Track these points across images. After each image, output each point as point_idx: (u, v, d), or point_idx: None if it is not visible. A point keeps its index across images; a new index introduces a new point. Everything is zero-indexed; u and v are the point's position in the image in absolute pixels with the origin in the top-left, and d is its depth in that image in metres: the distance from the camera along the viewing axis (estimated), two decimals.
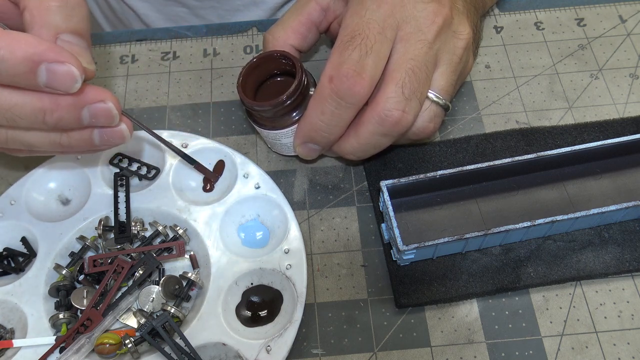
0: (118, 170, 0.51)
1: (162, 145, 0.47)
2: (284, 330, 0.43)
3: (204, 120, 0.56)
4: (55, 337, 0.43)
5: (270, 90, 0.50)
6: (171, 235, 0.48)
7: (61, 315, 0.44)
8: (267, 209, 0.49)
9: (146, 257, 0.46)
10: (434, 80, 0.46)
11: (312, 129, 0.46)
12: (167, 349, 0.41)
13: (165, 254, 0.47)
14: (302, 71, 0.46)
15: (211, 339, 0.43)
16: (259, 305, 0.45)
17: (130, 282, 0.45)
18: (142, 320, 0.44)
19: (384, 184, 0.46)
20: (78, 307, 0.44)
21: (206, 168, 0.50)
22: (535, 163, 0.48)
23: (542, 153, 0.47)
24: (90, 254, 0.48)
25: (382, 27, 0.44)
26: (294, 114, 0.47)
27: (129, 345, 0.42)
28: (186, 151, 0.51)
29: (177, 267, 0.47)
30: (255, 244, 0.48)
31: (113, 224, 0.48)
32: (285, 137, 0.49)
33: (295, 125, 0.48)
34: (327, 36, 0.53)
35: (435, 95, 0.46)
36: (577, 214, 0.44)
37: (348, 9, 0.45)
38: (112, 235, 0.48)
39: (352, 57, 0.43)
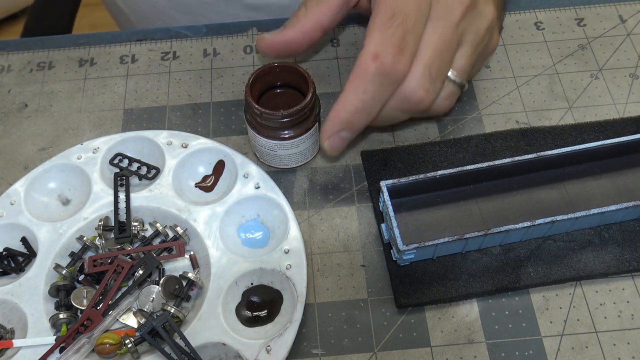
0: (118, 170, 0.51)
1: (162, 145, 0.46)
2: (284, 330, 0.43)
3: (204, 120, 0.56)
4: (55, 337, 0.43)
5: (274, 101, 0.50)
6: (171, 235, 0.48)
7: (61, 315, 0.44)
8: (267, 209, 0.49)
9: (146, 257, 0.46)
10: (455, 59, 0.46)
11: (351, 110, 0.44)
12: (167, 349, 0.41)
13: (165, 254, 0.47)
14: (314, 85, 0.47)
15: (211, 339, 0.43)
16: (259, 305, 0.45)
17: (130, 282, 0.45)
18: (142, 320, 0.44)
19: (384, 184, 0.46)
20: (78, 307, 0.44)
21: None
22: (535, 163, 0.48)
23: (542, 153, 0.47)
24: (90, 254, 0.48)
25: (419, 5, 0.43)
26: (296, 128, 0.48)
27: (129, 345, 0.42)
28: (186, 151, 0.51)
29: (177, 267, 0.47)
30: (255, 244, 0.48)
31: (113, 224, 0.48)
32: (281, 149, 0.49)
33: (293, 140, 0.48)
34: (354, 10, 0.51)
35: (454, 74, 0.47)
36: (577, 214, 0.44)
37: None
38: (112, 235, 0.48)
39: (396, 35, 0.43)
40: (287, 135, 0.48)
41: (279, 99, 0.50)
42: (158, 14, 0.77)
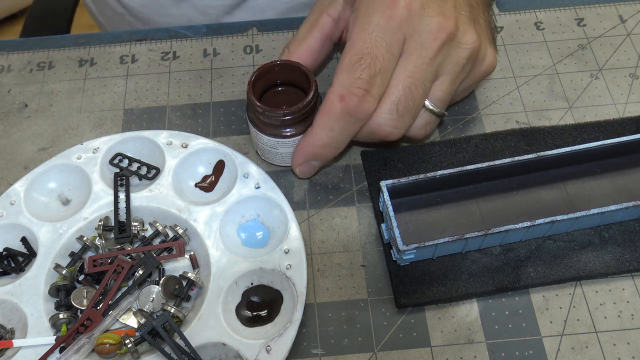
0: (118, 170, 0.51)
1: (162, 145, 0.47)
2: (284, 330, 0.43)
3: (204, 120, 0.56)
4: (55, 337, 0.43)
5: (276, 99, 0.50)
6: (171, 235, 0.48)
7: (61, 315, 0.44)
8: (267, 209, 0.49)
9: (146, 257, 0.46)
10: (432, 89, 0.47)
11: (319, 145, 0.47)
12: (167, 349, 0.41)
13: (165, 254, 0.47)
14: (316, 84, 0.47)
15: (211, 339, 0.43)
16: (259, 305, 0.45)
17: (130, 282, 0.45)
18: (142, 320, 0.44)
19: (384, 184, 0.46)
20: (78, 307, 0.44)
21: None
22: (535, 163, 0.48)
23: (542, 153, 0.47)
24: (90, 254, 0.48)
25: (390, 44, 0.44)
26: (298, 126, 0.48)
27: (129, 345, 0.42)
28: (186, 151, 0.51)
29: (177, 267, 0.47)
30: (255, 244, 0.48)
31: (113, 224, 0.48)
32: (282, 147, 0.49)
33: (295, 138, 0.48)
34: (339, 44, 0.52)
35: (431, 103, 0.47)
36: (577, 214, 0.44)
37: (355, 23, 0.45)
38: (112, 235, 0.48)
39: (362, 78, 0.44)
40: (288, 133, 0.48)
41: (281, 96, 0.50)
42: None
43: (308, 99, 0.46)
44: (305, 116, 0.47)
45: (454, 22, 0.45)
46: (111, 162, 0.51)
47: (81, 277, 0.46)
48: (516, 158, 0.47)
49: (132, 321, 0.45)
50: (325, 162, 0.50)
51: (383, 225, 0.48)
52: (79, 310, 0.45)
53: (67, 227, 0.48)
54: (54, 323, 0.44)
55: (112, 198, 0.49)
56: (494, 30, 0.53)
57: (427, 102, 0.47)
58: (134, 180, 0.51)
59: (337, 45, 0.53)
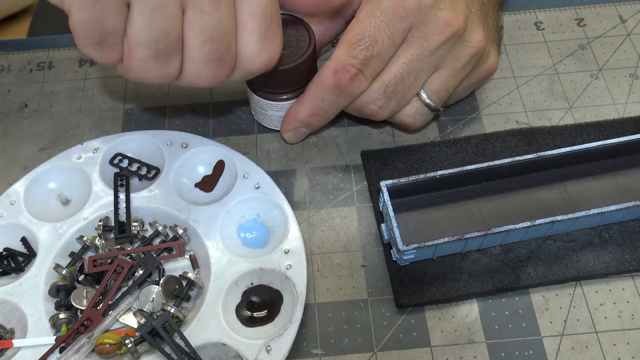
0: (118, 170, 0.51)
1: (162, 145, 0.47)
2: (284, 330, 0.43)
3: (204, 120, 0.56)
4: (55, 337, 0.43)
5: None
6: (171, 235, 0.48)
7: (61, 315, 0.44)
8: (267, 209, 0.49)
9: (146, 257, 0.46)
10: (429, 80, 0.48)
11: (309, 114, 0.49)
12: (167, 349, 0.41)
13: (165, 254, 0.47)
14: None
15: (211, 339, 0.43)
16: (259, 305, 0.45)
17: (130, 282, 0.45)
18: (142, 320, 0.44)
19: (384, 184, 0.46)
20: (78, 307, 0.44)
21: None
22: (535, 163, 0.48)
23: (542, 153, 0.47)
24: (90, 254, 0.48)
25: (393, 32, 0.45)
26: (291, 90, 0.49)
27: (129, 345, 0.42)
28: (186, 151, 0.51)
29: (177, 267, 0.47)
30: (255, 244, 0.48)
31: (113, 224, 0.48)
32: (272, 110, 0.51)
33: (286, 102, 0.50)
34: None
35: (426, 94, 0.48)
36: (577, 214, 0.44)
37: (366, 3, 0.46)
38: (112, 235, 0.48)
39: (358, 57, 0.45)
40: (284, 97, 0.50)
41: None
42: None
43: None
44: (300, 85, 0.49)
45: (463, 20, 0.45)
46: (111, 162, 0.51)
47: (81, 277, 0.46)
48: (516, 158, 0.47)
49: (132, 321, 0.45)
50: (313, 130, 0.52)
51: (383, 225, 0.48)
52: (79, 310, 0.45)
53: (67, 227, 0.48)
54: (54, 323, 0.44)
55: (112, 198, 0.49)
56: (500, 32, 0.53)
57: (422, 93, 0.48)
58: (134, 180, 0.51)
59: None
